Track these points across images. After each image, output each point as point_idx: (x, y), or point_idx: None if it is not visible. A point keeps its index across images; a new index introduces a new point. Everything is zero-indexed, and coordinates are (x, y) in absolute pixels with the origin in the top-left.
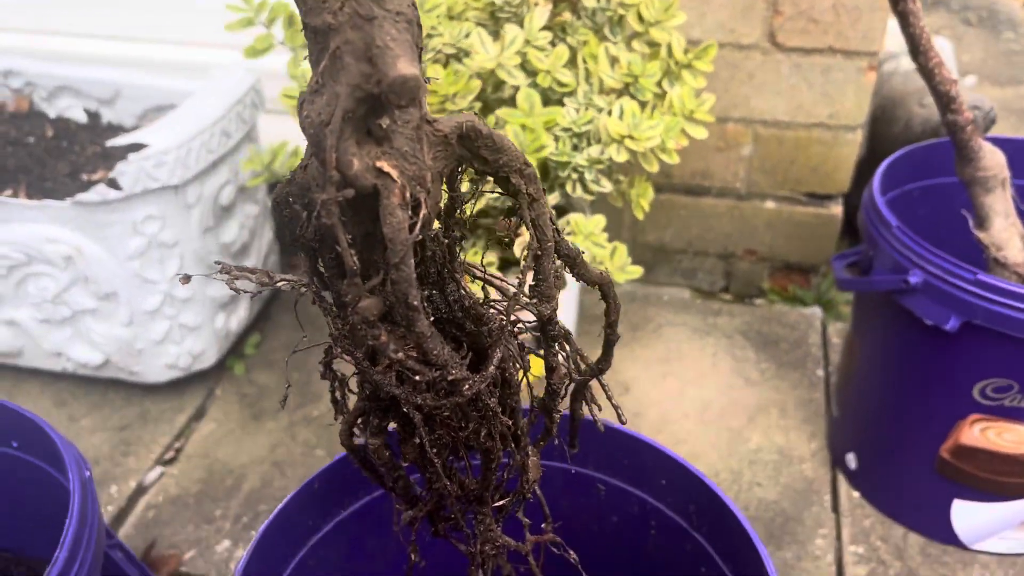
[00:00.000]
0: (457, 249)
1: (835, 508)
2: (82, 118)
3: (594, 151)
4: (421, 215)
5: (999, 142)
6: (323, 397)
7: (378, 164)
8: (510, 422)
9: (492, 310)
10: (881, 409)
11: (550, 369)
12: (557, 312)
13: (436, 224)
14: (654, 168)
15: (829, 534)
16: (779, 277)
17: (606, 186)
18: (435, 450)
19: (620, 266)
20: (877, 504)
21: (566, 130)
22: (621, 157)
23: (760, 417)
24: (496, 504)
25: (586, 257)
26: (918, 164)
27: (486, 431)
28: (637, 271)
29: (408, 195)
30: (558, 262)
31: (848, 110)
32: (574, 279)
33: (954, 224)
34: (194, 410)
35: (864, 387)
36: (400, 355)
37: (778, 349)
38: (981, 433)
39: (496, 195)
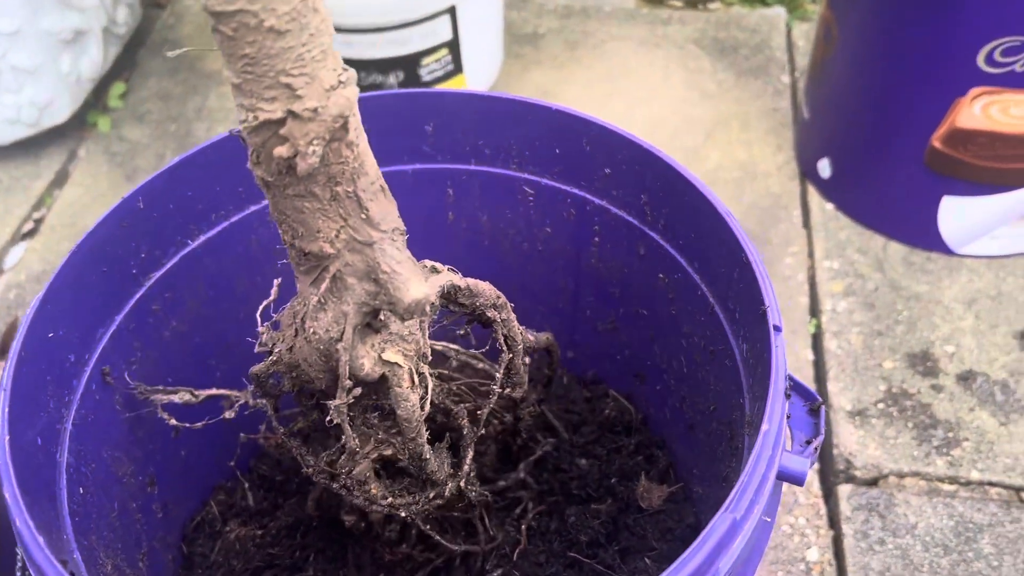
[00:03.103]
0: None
1: (806, 223)
2: None
3: None
4: (429, 390)
5: None
6: None
7: (384, 356)
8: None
9: (461, 405)
10: (864, 99)
11: (518, 418)
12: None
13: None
14: None
15: (800, 252)
16: None
17: None
18: (427, 526)
19: None
20: (854, 214)
21: None
22: None
23: (719, 132)
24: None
25: None
26: None
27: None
28: None
29: (416, 376)
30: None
31: None
32: None
33: None
34: (54, 175)
35: (844, 76)
36: (389, 500)
37: (737, 56)
38: (982, 111)
39: None
